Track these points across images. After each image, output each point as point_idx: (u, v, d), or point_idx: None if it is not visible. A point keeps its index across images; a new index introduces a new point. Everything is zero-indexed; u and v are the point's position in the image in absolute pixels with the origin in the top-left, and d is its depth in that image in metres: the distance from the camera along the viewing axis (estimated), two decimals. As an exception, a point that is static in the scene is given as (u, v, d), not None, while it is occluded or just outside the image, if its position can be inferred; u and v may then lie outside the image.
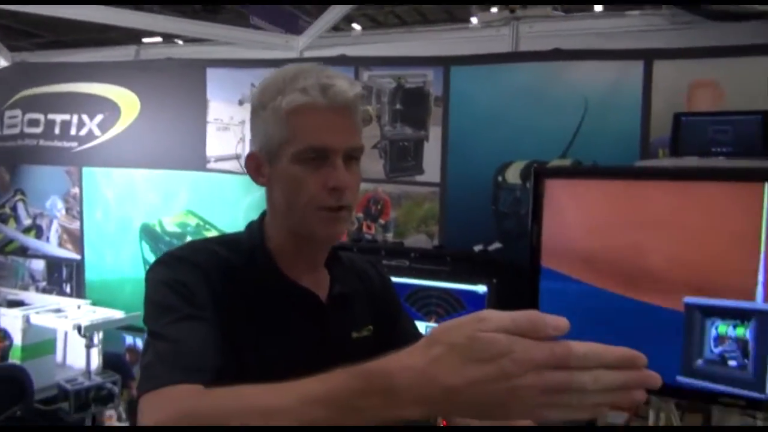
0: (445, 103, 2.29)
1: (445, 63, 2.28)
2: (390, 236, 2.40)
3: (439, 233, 2.33)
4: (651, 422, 1.76)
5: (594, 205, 1.56)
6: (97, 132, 2.86)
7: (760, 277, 1.15)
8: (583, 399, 0.48)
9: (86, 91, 2.85)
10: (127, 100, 2.78)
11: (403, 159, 2.34)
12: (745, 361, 1.11)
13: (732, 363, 1.13)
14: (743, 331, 1.10)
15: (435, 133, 2.31)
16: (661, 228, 1.40)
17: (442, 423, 1.85)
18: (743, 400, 1.44)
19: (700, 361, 1.17)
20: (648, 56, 2.03)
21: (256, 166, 0.93)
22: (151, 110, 2.75)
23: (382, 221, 2.41)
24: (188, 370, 0.73)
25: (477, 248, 2.20)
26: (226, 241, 0.94)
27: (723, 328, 1.12)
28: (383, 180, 2.39)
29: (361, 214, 2.41)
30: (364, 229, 2.42)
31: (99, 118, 2.85)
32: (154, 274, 0.87)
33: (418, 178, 2.35)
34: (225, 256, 0.90)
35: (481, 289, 2.05)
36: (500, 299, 2.02)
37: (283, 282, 0.92)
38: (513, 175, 2.21)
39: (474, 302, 2.06)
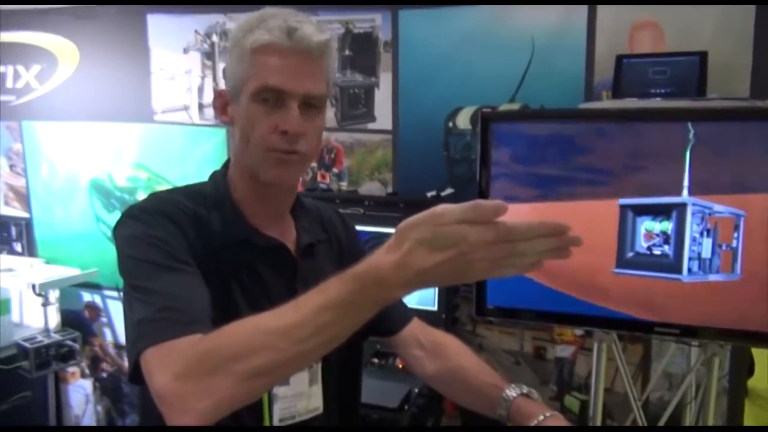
0: (395, 48, 2.26)
1: (393, 4, 2.24)
2: (344, 185, 2.41)
3: (393, 180, 2.35)
4: (594, 354, 1.88)
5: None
6: (35, 84, 2.74)
7: (686, 182, 1.32)
8: (524, 260, 0.63)
9: (20, 41, 2.71)
10: (64, 50, 2.66)
11: (354, 107, 2.33)
12: (667, 249, 1.29)
13: (656, 252, 1.30)
14: (667, 225, 1.29)
15: (385, 79, 2.29)
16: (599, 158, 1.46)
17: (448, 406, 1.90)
18: (677, 329, 1.55)
19: (631, 254, 1.33)
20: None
21: (222, 105, 0.93)
22: (91, 60, 2.63)
23: (335, 170, 2.42)
24: (188, 323, 0.74)
25: (430, 194, 2.24)
26: (190, 192, 0.94)
27: (650, 225, 1.30)
28: (335, 128, 2.38)
29: (315, 164, 2.41)
30: (319, 178, 2.42)
31: (36, 69, 2.72)
32: (125, 229, 0.86)
33: (370, 125, 2.35)
34: (192, 208, 0.89)
35: (434, 233, 2.11)
36: (452, 242, 2.08)
37: (251, 234, 0.93)
38: (463, 121, 2.23)
39: (427, 246, 2.11)
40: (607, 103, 1.79)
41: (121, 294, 0.85)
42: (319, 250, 1.01)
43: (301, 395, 0.94)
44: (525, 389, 0.97)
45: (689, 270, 1.30)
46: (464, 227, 0.60)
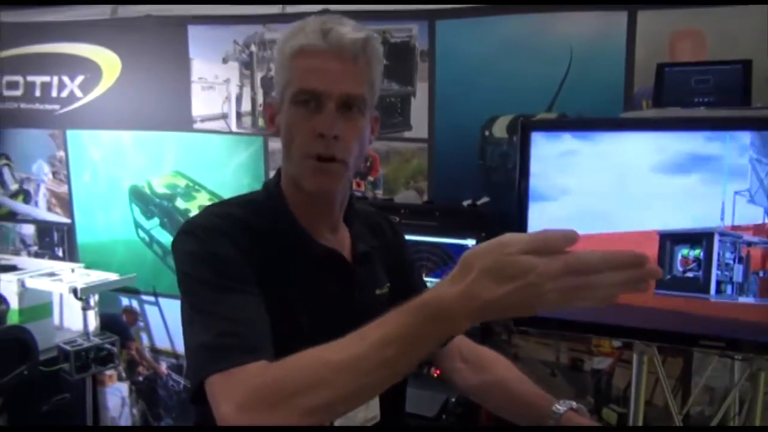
0: (431, 57, 2.27)
1: (430, 16, 2.26)
2: (380, 193, 2.42)
3: (428, 189, 2.36)
4: (635, 366, 1.84)
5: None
6: (78, 93, 2.81)
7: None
8: (596, 293, 0.59)
9: (65, 52, 2.79)
10: (107, 60, 2.73)
11: (390, 115, 2.34)
12: (699, 273, 1.40)
13: (689, 275, 1.40)
14: (699, 252, 1.39)
15: (422, 88, 2.31)
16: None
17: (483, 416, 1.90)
18: (722, 342, 1.52)
19: (669, 277, 1.42)
20: (632, 5, 2.02)
21: (270, 116, 0.93)
22: (133, 70, 2.70)
23: (371, 178, 2.43)
24: (251, 350, 0.74)
25: (465, 203, 2.23)
26: (244, 202, 0.93)
27: (686, 251, 1.41)
28: (371, 137, 2.39)
29: (350, 172, 2.42)
30: (354, 186, 2.44)
31: (80, 79, 2.80)
32: (184, 245, 0.85)
33: (406, 134, 2.36)
34: (248, 221, 0.89)
35: (470, 242, 2.10)
36: (488, 251, 2.07)
37: (308, 243, 0.92)
38: (500, 129, 2.23)
39: (463, 255, 2.11)
40: (650, 112, 1.76)
41: (180, 310, 0.84)
42: (372, 257, 1.01)
43: (361, 406, 0.93)
44: (574, 404, 0.96)
45: (717, 290, 1.38)
46: (532, 258, 0.58)
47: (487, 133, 2.24)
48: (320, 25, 0.85)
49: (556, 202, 1.58)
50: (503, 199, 2.23)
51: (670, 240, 1.41)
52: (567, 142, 1.57)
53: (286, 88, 0.87)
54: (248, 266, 0.83)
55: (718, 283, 1.38)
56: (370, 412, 0.95)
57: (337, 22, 0.86)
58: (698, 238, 1.38)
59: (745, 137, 1.42)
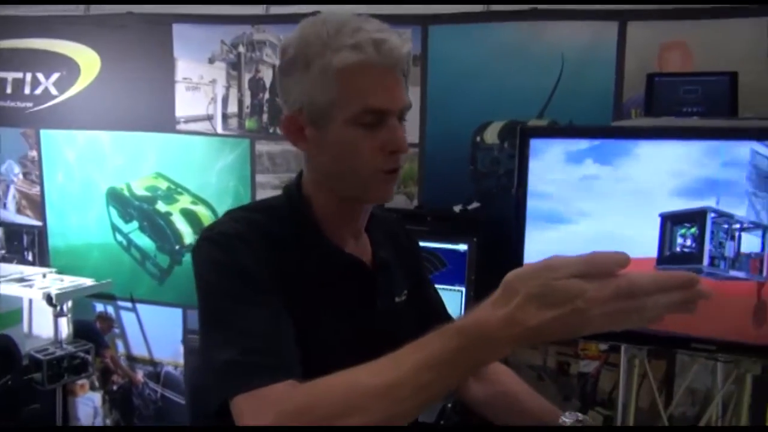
0: (423, 62, 2.27)
1: (423, 21, 2.26)
2: (369, 197, 2.40)
3: (418, 193, 2.36)
4: (623, 369, 1.88)
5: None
6: (54, 91, 2.70)
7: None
8: (645, 315, 0.57)
9: (40, 48, 2.68)
10: (86, 58, 2.63)
11: (382, 119, 2.33)
12: (694, 246, 1.50)
13: (686, 250, 1.51)
14: (695, 230, 1.50)
15: (413, 92, 2.29)
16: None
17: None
18: (714, 345, 1.56)
19: (668, 253, 1.52)
20: (623, 17, 2.07)
21: (297, 130, 0.86)
22: (113, 68, 2.61)
23: (361, 182, 2.41)
24: (278, 368, 0.71)
25: (456, 208, 2.24)
26: (264, 208, 0.91)
27: (684, 230, 1.51)
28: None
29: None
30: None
31: (56, 76, 2.69)
32: (206, 254, 0.82)
33: (397, 138, 2.34)
34: (269, 227, 0.86)
35: (462, 247, 2.11)
36: (480, 257, 2.08)
37: (332, 252, 0.90)
38: (491, 135, 2.25)
39: (455, 260, 2.11)
40: (644, 121, 1.81)
41: (200, 320, 0.81)
42: (392, 265, 1.00)
43: None
44: (580, 416, 0.97)
45: (711, 264, 1.49)
46: (581, 282, 0.55)
47: (478, 138, 2.26)
48: (368, 34, 0.80)
49: (576, 225, 1.62)
50: (494, 205, 2.25)
51: (671, 221, 1.52)
52: (588, 167, 1.62)
53: (335, 105, 0.82)
54: (272, 276, 0.80)
55: (712, 258, 1.48)
56: None
57: (383, 29, 0.83)
58: (694, 217, 1.50)
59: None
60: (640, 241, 1.53)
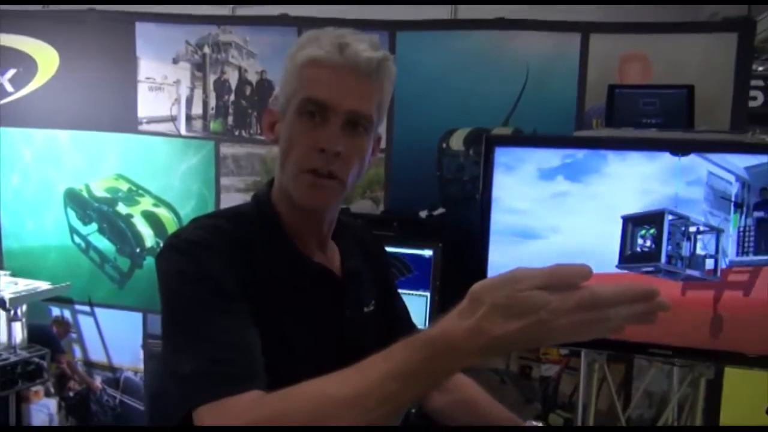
0: (391, 68, 2.28)
1: (390, 27, 2.27)
2: (336, 202, 2.39)
3: (384, 198, 2.36)
4: (583, 373, 1.92)
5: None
6: (9, 88, 2.61)
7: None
8: (607, 326, 0.58)
9: (-6, 43, 2.60)
10: (43, 54, 2.55)
11: (349, 124, 2.33)
12: (652, 246, 1.57)
13: (645, 249, 1.58)
14: (653, 231, 1.57)
15: (380, 98, 2.30)
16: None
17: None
18: (670, 350, 1.62)
19: (629, 252, 1.59)
20: (585, 29, 2.12)
21: (270, 123, 0.89)
22: (72, 66, 2.53)
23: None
24: (245, 378, 0.71)
25: (422, 213, 2.25)
26: (231, 215, 0.89)
27: (644, 231, 1.58)
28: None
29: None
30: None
31: (11, 73, 2.60)
32: (171, 262, 0.81)
33: (364, 143, 2.34)
34: (235, 234, 0.85)
35: (427, 252, 2.12)
36: (445, 262, 2.10)
37: (299, 259, 0.89)
38: (457, 142, 2.27)
39: (421, 265, 2.12)
40: (605, 132, 1.85)
41: (162, 329, 0.79)
42: (361, 275, 0.99)
43: None
44: (541, 424, 0.99)
45: (668, 261, 1.57)
46: (545, 294, 0.56)
47: (444, 145, 2.28)
48: (338, 38, 0.82)
49: (545, 239, 1.66)
50: (459, 210, 2.27)
51: (632, 222, 1.59)
52: (560, 183, 1.66)
53: (292, 96, 0.84)
54: (238, 284, 0.79)
55: (669, 257, 1.56)
56: None
57: (356, 37, 0.83)
58: (653, 218, 1.57)
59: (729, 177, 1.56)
60: (610, 258, 1.58)
